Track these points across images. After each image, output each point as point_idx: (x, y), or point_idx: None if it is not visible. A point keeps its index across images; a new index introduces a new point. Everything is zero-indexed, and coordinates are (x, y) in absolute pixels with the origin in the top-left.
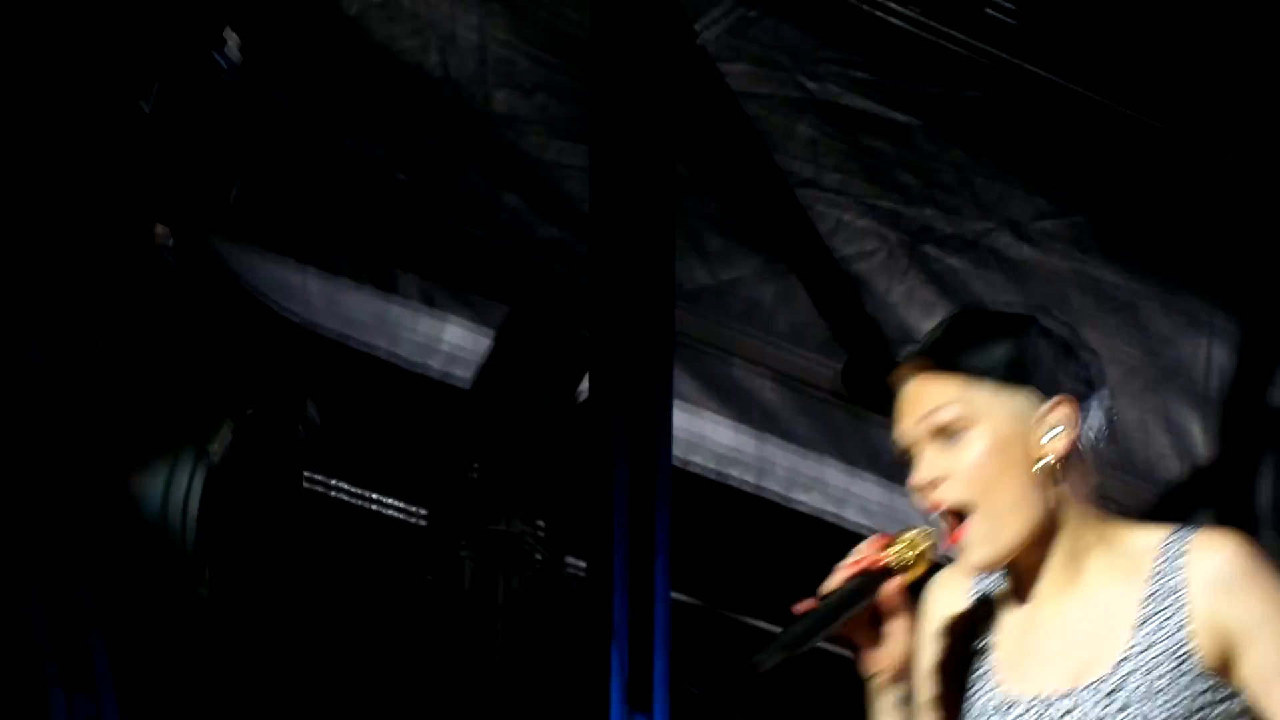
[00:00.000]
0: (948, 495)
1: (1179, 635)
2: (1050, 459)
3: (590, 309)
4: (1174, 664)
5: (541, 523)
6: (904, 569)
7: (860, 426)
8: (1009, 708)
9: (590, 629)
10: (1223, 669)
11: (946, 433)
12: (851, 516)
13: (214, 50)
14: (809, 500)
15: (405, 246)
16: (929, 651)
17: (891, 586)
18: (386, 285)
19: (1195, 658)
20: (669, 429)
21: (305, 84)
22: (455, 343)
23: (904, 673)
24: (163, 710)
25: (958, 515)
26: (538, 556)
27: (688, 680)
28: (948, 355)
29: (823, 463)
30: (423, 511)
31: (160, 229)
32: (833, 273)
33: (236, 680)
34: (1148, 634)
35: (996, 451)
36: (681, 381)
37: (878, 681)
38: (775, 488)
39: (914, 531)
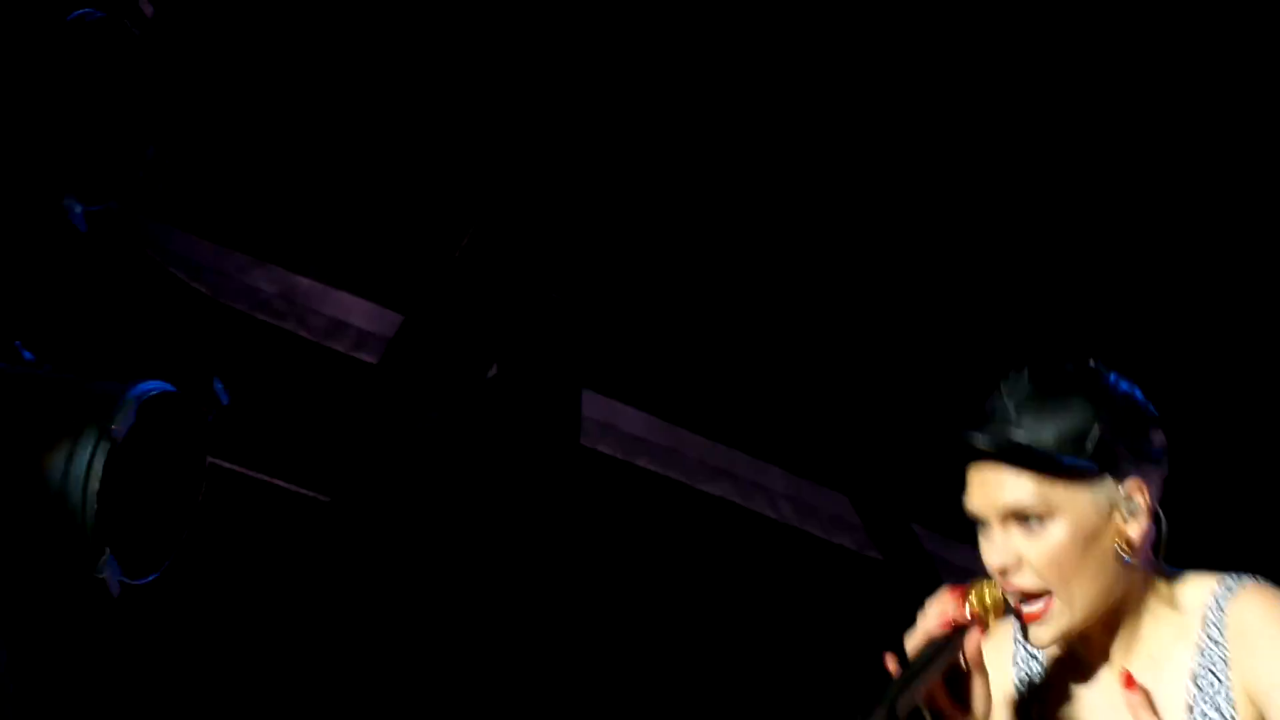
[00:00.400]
0: (1025, 583)
1: (1223, 691)
2: (1129, 545)
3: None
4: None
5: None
6: (982, 621)
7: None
8: None
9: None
10: None
11: (1024, 518)
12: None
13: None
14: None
15: (314, 223)
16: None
17: (974, 642)
18: (295, 263)
19: (1241, 713)
20: (578, 413)
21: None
22: (362, 323)
23: None
24: (63, 691)
25: (1033, 595)
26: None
27: None
28: (1028, 464)
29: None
30: (324, 494)
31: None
32: None
33: (140, 660)
34: (1202, 693)
35: (1077, 543)
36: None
37: None
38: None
39: (984, 582)
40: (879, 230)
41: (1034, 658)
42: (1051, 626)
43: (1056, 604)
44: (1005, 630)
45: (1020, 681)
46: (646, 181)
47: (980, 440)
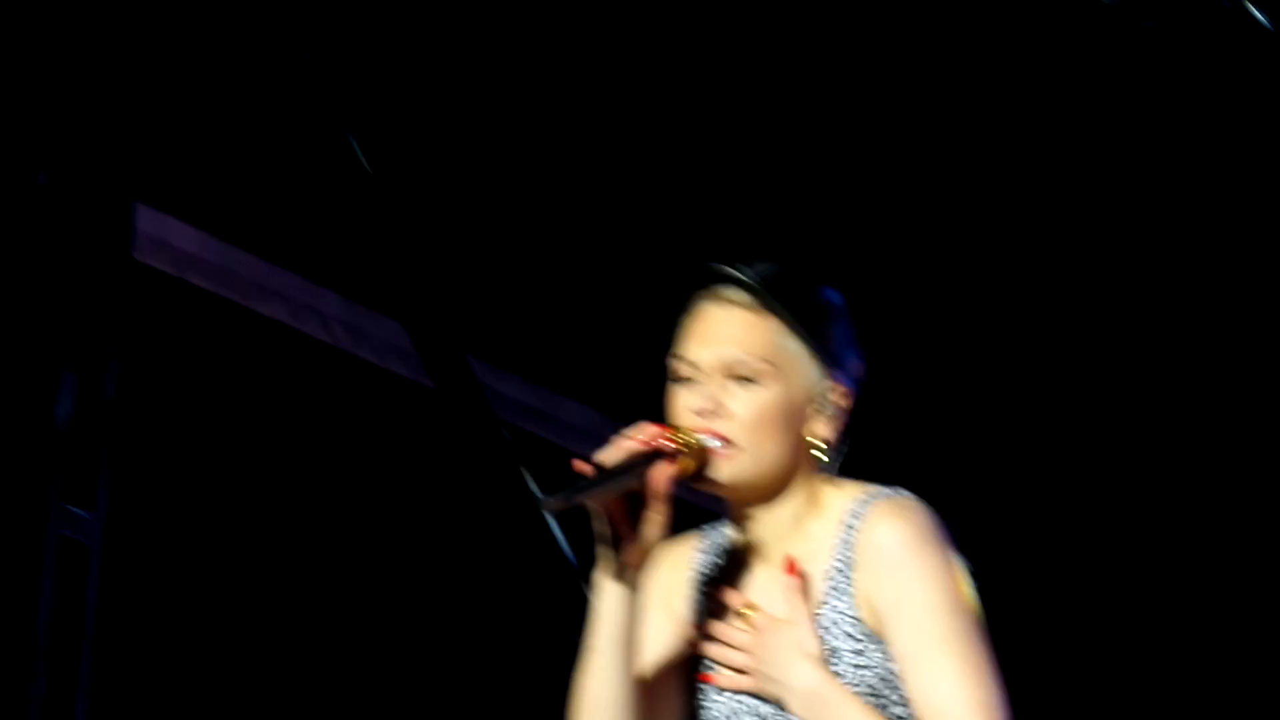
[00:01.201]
0: (726, 431)
1: (849, 605)
2: (819, 439)
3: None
4: (855, 633)
5: None
6: (677, 457)
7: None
8: (721, 691)
9: None
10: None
11: (741, 372)
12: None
13: None
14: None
15: None
16: (653, 618)
17: (665, 472)
18: None
19: (866, 626)
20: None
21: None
22: None
23: (641, 564)
24: None
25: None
26: None
27: None
28: (776, 304)
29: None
30: None
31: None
32: None
33: None
34: (833, 606)
35: (779, 410)
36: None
37: (618, 567)
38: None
39: (689, 433)
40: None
41: (709, 558)
42: (732, 468)
43: (742, 455)
44: (687, 541)
45: (696, 576)
46: None
47: (745, 273)
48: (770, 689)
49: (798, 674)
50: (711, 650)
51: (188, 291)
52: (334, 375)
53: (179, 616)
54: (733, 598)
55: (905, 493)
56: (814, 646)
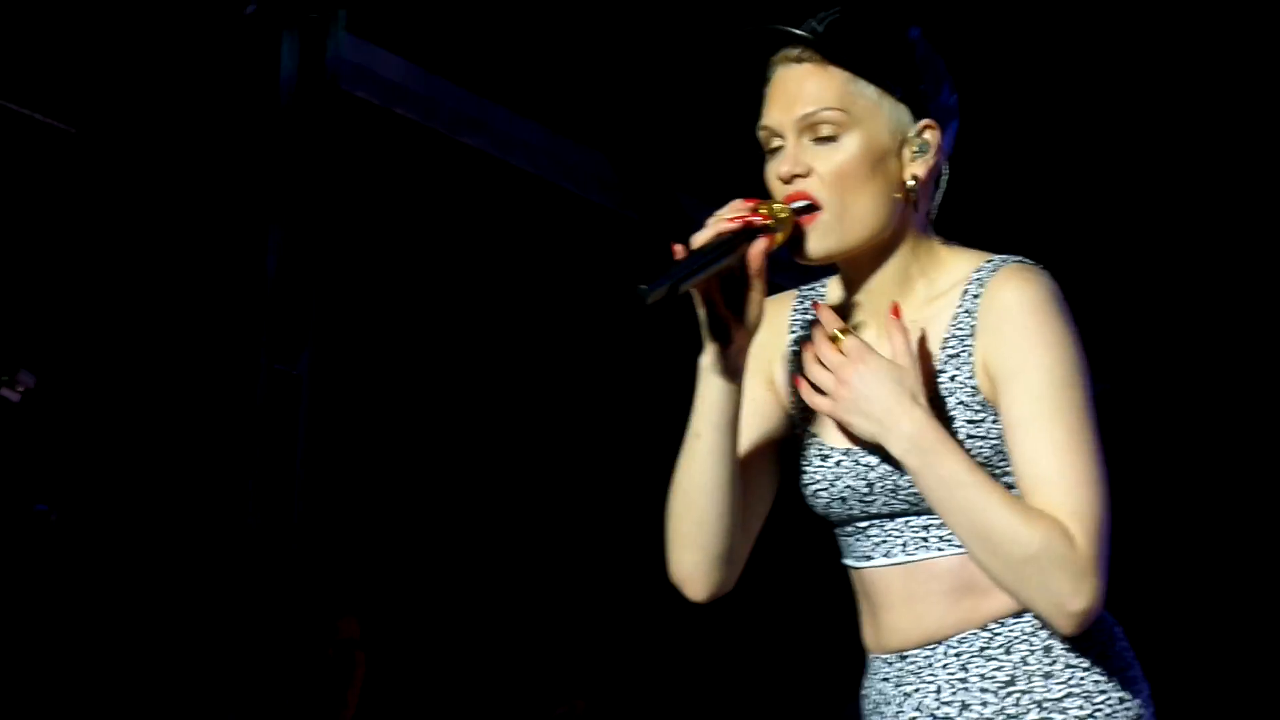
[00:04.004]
0: (810, 189)
1: (967, 360)
2: (913, 181)
3: None
4: (971, 402)
5: None
6: (771, 231)
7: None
8: (826, 455)
9: None
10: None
11: (820, 131)
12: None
13: None
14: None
15: None
16: (750, 386)
17: (759, 247)
18: None
19: (982, 395)
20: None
21: None
22: None
23: (744, 346)
24: None
25: (810, 209)
26: None
27: None
28: (840, 51)
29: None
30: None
31: None
32: None
33: None
34: (950, 375)
35: (866, 161)
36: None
37: (721, 350)
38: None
39: (776, 204)
40: None
41: (810, 320)
42: (824, 239)
43: (832, 218)
44: (786, 302)
45: (796, 338)
46: None
47: (797, 30)
48: (862, 424)
49: (897, 412)
50: (805, 369)
51: (393, 121)
52: (538, 206)
53: (379, 445)
54: (829, 319)
55: (1031, 262)
56: (915, 384)
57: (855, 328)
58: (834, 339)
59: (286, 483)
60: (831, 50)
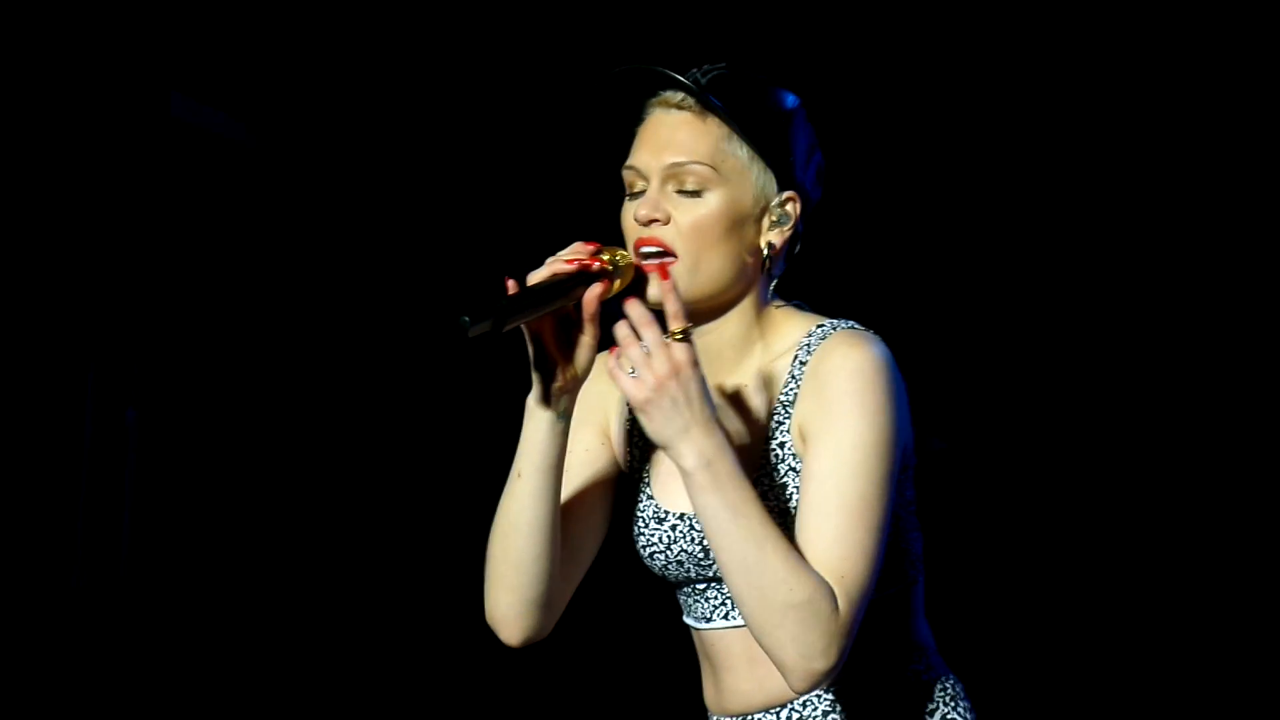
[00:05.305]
0: (665, 237)
1: (786, 427)
2: (768, 249)
3: None
4: (798, 467)
5: None
6: (610, 278)
7: None
8: (661, 519)
9: None
10: None
11: (686, 183)
12: None
13: None
14: None
15: None
16: (582, 433)
17: (594, 292)
18: None
19: (799, 451)
20: None
21: None
22: None
23: (572, 389)
24: None
25: (661, 255)
26: None
27: None
28: (720, 108)
29: None
30: None
31: None
32: None
33: None
34: (779, 441)
35: (725, 220)
36: None
37: (548, 391)
38: None
39: (619, 251)
40: None
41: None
42: (664, 283)
43: (679, 268)
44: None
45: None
46: None
47: (688, 77)
48: (662, 425)
49: (704, 427)
50: (621, 347)
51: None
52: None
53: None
54: (675, 311)
55: (861, 327)
56: (697, 397)
57: None
58: (673, 334)
59: (114, 533)
60: (712, 104)
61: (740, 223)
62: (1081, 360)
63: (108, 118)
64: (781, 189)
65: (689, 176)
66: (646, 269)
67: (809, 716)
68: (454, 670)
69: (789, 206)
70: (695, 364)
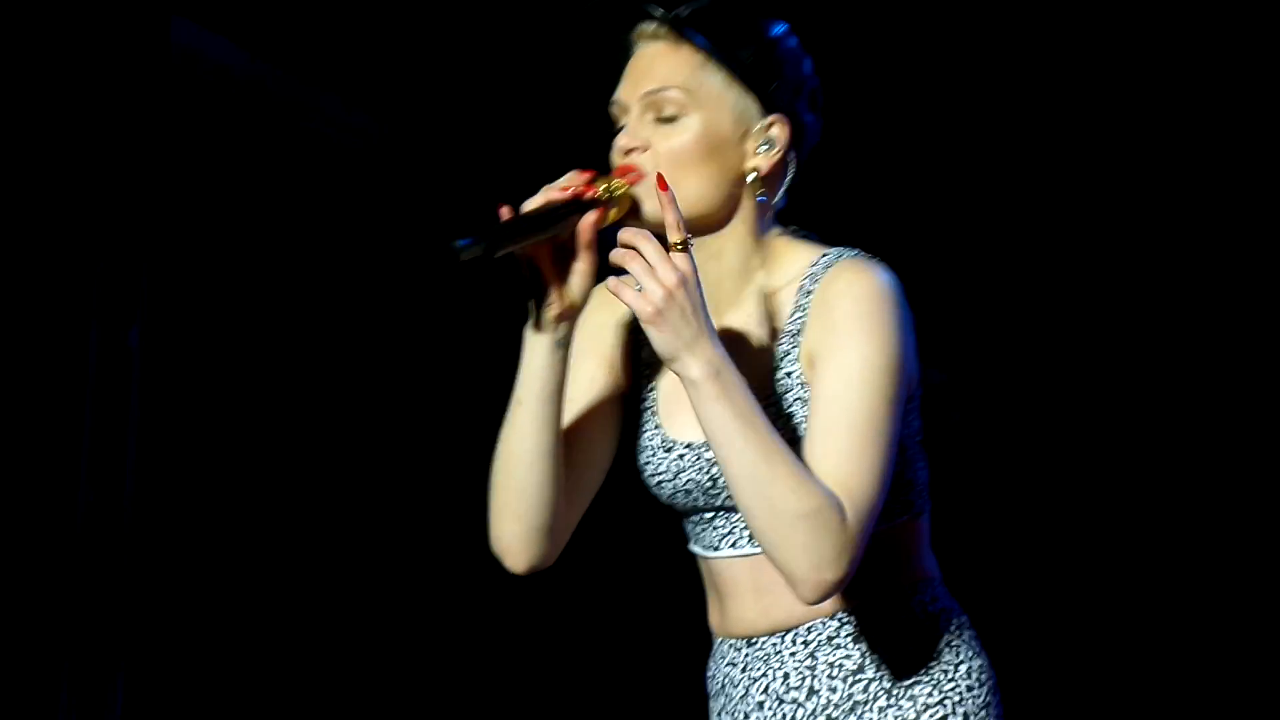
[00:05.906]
0: (642, 163)
1: (795, 354)
2: (754, 174)
3: None
4: (806, 396)
5: None
6: (606, 206)
7: None
8: (669, 448)
9: None
10: None
11: (663, 110)
12: None
13: None
14: None
15: None
16: (583, 363)
17: (589, 219)
18: None
19: (807, 378)
20: None
21: None
22: None
23: (569, 316)
24: None
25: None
26: None
27: None
28: (694, 33)
29: None
30: None
31: None
32: None
33: None
34: (786, 371)
35: (702, 144)
36: None
37: (546, 317)
38: None
39: (615, 180)
40: None
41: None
42: (653, 202)
43: (650, 183)
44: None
45: (630, 317)
46: None
47: (653, 8)
48: (667, 337)
49: (708, 338)
50: (622, 259)
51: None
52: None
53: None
54: (673, 221)
55: (866, 255)
56: (702, 307)
57: None
58: (674, 245)
59: (118, 461)
60: (685, 31)
61: (719, 146)
62: (1084, 292)
63: (107, 41)
64: (767, 113)
65: (665, 103)
66: (639, 197)
67: (814, 640)
68: (460, 590)
69: (774, 130)
70: (696, 274)
